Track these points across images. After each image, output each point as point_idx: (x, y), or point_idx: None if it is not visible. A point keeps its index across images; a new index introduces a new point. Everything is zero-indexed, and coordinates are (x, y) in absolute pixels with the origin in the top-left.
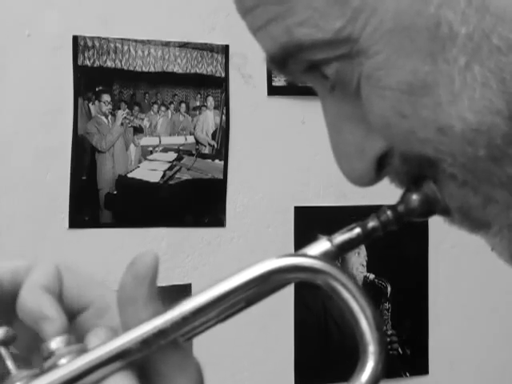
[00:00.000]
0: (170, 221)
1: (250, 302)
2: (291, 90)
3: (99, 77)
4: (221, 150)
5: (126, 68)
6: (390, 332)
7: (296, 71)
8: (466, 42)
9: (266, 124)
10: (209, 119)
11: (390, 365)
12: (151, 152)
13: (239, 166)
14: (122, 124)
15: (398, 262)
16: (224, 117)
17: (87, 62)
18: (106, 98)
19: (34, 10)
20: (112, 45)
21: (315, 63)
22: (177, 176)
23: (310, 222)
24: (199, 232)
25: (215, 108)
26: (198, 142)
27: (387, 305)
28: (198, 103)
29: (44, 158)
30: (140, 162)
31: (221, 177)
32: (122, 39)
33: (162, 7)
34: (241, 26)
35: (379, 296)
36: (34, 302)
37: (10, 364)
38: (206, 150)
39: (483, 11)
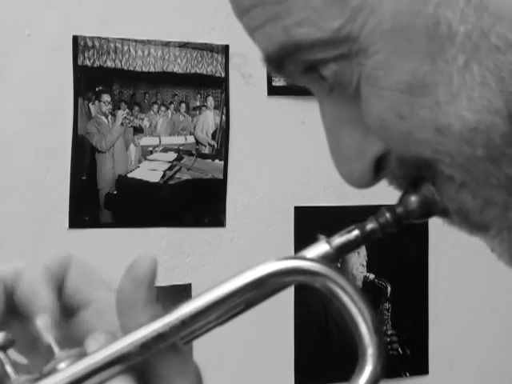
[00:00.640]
0: (170, 221)
1: (249, 305)
2: (291, 90)
3: (99, 77)
4: (221, 149)
5: (126, 68)
6: (389, 332)
7: (294, 72)
8: (464, 41)
9: (266, 124)
10: (209, 119)
11: (390, 365)
12: (151, 152)
13: (239, 166)
14: (122, 124)
15: (398, 262)
16: (224, 117)
17: (87, 62)
18: (106, 98)
19: (33, 10)
20: (112, 45)
21: (313, 64)
22: (177, 176)
23: (310, 222)
24: (199, 232)
25: (215, 108)
26: (197, 142)
27: (387, 305)
28: (197, 103)
29: (44, 158)
30: (140, 162)
31: (221, 177)
32: (122, 39)
33: (162, 7)
34: (241, 26)
35: (379, 296)
36: (30, 285)
37: (9, 368)
38: (206, 150)
39: (482, 10)
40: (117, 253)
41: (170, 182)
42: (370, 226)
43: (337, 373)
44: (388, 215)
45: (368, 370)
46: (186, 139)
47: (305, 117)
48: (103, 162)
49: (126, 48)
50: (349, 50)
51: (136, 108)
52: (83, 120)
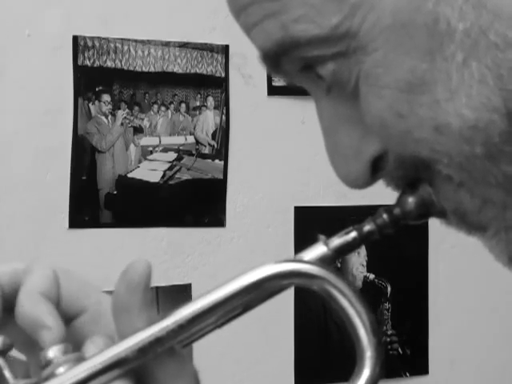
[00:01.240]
0: (170, 221)
1: (247, 308)
2: (291, 90)
3: (99, 77)
4: (221, 149)
5: (126, 68)
6: (389, 332)
7: (291, 71)
8: (463, 38)
9: (266, 124)
10: (209, 119)
11: (390, 365)
12: (151, 152)
13: (239, 166)
14: (122, 124)
15: (398, 262)
16: (224, 117)
17: (87, 62)
18: (106, 98)
19: (34, 10)
20: (112, 45)
21: (310, 62)
22: (177, 176)
23: (310, 222)
24: (199, 232)
25: (215, 108)
26: (197, 142)
27: (387, 305)
28: (198, 103)
29: (44, 158)
30: (140, 162)
31: (221, 177)
32: (122, 39)
33: (162, 7)
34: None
35: (379, 296)
36: (33, 309)
37: (7, 373)
38: (206, 150)
39: (480, 8)
40: (117, 253)
41: (170, 182)
42: (367, 227)
43: (337, 373)
44: (385, 216)
45: (366, 372)
46: (185, 139)
47: (305, 117)
48: (103, 162)
49: (126, 48)
50: (347, 48)
51: (136, 108)
52: (83, 120)
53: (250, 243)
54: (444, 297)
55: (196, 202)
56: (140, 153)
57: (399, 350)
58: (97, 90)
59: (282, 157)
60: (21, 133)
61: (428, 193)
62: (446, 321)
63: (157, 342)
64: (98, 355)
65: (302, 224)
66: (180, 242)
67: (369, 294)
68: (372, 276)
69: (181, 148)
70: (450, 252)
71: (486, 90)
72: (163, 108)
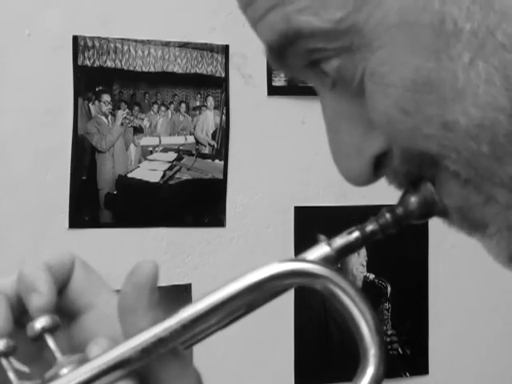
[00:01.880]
0: (170, 221)
1: (250, 308)
2: (291, 90)
3: (99, 77)
4: (221, 149)
5: (126, 68)
6: (389, 332)
7: (296, 66)
8: (470, 38)
9: (266, 124)
10: (209, 119)
11: (390, 365)
12: (151, 152)
13: (239, 166)
14: (121, 124)
15: (398, 262)
16: (224, 117)
17: (87, 62)
18: (106, 98)
19: (34, 10)
20: (112, 45)
21: (315, 58)
22: (177, 176)
23: (310, 222)
24: (199, 232)
25: (215, 108)
26: (198, 142)
27: (387, 305)
28: (198, 103)
29: (44, 158)
30: (140, 162)
31: (221, 177)
32: (122, 39)
33: (161, 7)
34: (241, 26)
35: (379, 296)
36: (30, 273)
37: (11, 375)
38: (206, 150)
39: (488, 8)
40: (117, 253)
41: (170, 182)
42: (370, 227)
43: (337, 373)
44: (388, 216)
45: (370, 370)
46: (186, 139)
47: (305, 117)
48: (103, 162)
49: (126, 48)
50: (350, 43)
51: (136, 108)
52: (83, 120)
53: (250, 243)
54: (444, 297)
55: (196, 202)
56: (140, 153)
57: (399, 349)
58: (97, 90)
59: (282, 157)
60: (21, 133)
61: (430, 192)
62: (445, 321)
63: (160, 342)
64: (102, 356)
65: (302, 224)
66: (180, 242)
67: (369, 294)
68: (372, 276)
69: (181, 148)
70: (450, 252)
71: (492, 90)
72: (163, 108)
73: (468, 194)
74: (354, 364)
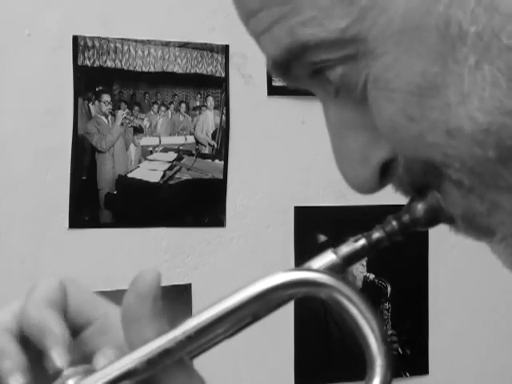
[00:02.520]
0: (170, 221)
1: (256, 318)
2: (291, 90)
3: (99, 77)
4: (221, 149)
5: (126, 68)
6: (390, 332)
7: (300, 76)
8: (475, 41)
9: (266, 124)
10: (209, 119)
11: None
12: (151, 152)
13: (239, 166)
14: (122, 124)
15: (398, 262)
16: (224, 117)
17: (87, 62)
18: (106, 98)
19: (34, 10)
20: (112, 45)
21: (320, 67)
22: (177, 176)
23: (310, 222)
24: (199, 232)
25: (215, 108)
26: (198, 142)
27: (387, 305)
28: (198, 103)
29: (44, 158)
30: (140, 162)
31: (221, 177)
32: (122, 39)
33: (161, 7)
34: (241, 26)
35: (379, 296)
36: (38, 316)
37: None
38: (206, 150)
39: (492, 10)
40: (117, 253)
41: (170, 182)
42: (376, 234)
43: (337, 373)
44: (394, 223)
45: (377, 380)
46: (186, 139)
47: (305, 117)
48: (103, 162)
49: (126, 48)
50: (356, 51)
51: (136, 108)
52: (83, 120)
53: (250, 243)
54: (444, 297)
55: (196, 202)
56: (140, 153)
57: (399, 350)
58: (97, 90)
59: (281, 157)
60: (21, 133)
61: (436, 199)
62: (445, 321)
63: (166, 353)
64: (107, 367)
65: (302, 224)
66: (180, 242)
67: (369, 294)
68: (372, 276)
69: (181, 148)
70: (450, 252)
71: (498, 93)
72: (163, 108)
73: (472, 203)
74: (354, 364)
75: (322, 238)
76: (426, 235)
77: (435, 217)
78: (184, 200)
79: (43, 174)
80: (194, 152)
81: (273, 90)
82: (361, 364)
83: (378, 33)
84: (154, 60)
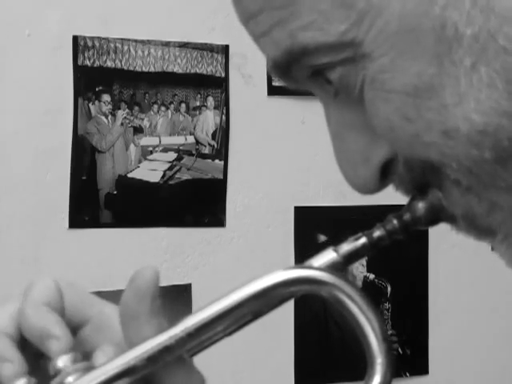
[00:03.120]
0: (170, 221)
1: (256, 316)
2: (291, 90)
3: (99, 77)
4: (221, 150)
5: (126, 68)
6: (390, 332)
7: (300, 77)
8: (471, 42)
9: (266, 124)
10: (209, 119)
11: None
12: (151, 152)
13: (239, 166)
14: (122, 124)
15: (398, 262)
16: (224, 117)
17: (87, 62)
18: (106, 98)
19: (34, 10)
20: (112, 45)
21: (319, 68)
22: (177, 176)
23: (310, 222)
24: (199, 232)
25: (215, 108)
26: (198, 142)
27: (387, 305)
28: (198, 103)
29: (44, 158)
30: (140, 162)
31: (221, 177)
32: (122, 39)
33: (161, 7)
34: (241, 26)
35: (379, 296)
36: (39, 320)
37: None
38: (206, 150)
39: (488, 12)
40: (117, 253)
41: (170, 182)
42: (377, 233)
43: (337, 373)
44: (395, 222)
45: (377, 379)
46: (186, 139)
47: (305, 117)
48: (103, 162)
49: (126, 48)
50: (354, 54)
51: (136, 108)
52: (83, 120)
53: (250, 243)
54: (444, 297)
55: (196, 202)
56: (140, 153)
57: (399, 350)
58: (97, 90)
59: (281, 157)
60: (21, 133)
61: (438, 198)
62: (445, 321)
63: (165, 350)
64: (107, 364)
65: (302, 224)
66: (180, 242)
67: (369, 294)
68: (372, 276)
69: (181, 148)
70: (450, 252)
71: (495, 95)
72: (163, 108)
73: (470, 203)
74: (354, 364)
75: (322, 237)
76: (426, 235)
77: (436, 216)
78: (184, 200)
79: (43, 174)
80: (193, 152)
81: (273, 90)
82: (361, 364)
83: (374, 35)
84: (154, 60)
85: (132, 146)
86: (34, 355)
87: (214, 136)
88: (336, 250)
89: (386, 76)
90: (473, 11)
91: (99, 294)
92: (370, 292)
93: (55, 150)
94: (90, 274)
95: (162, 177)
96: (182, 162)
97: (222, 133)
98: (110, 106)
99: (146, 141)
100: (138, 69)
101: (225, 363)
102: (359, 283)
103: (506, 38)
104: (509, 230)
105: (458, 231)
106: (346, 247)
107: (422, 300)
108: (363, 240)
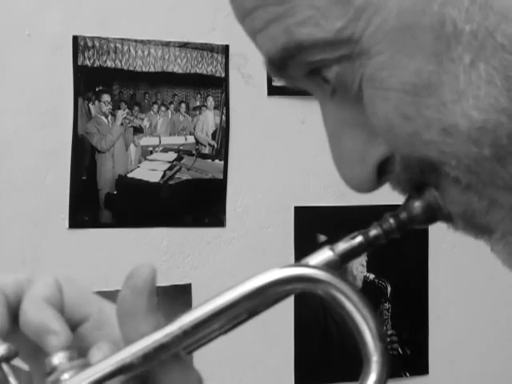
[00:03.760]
0: (170, 221)
1: (252, 314)
2: (291, 90)
3: (99, 77)
4: (221, 150)
5: (126, 68)
6: (390, 332)
7: (296, 75)
8: (470, 40)
9: (266, 124)
10: (209, 119)
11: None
12: (151, 152)
13: (239, 166)
14: (122, 124)
15: (398, 261)
16: (224, 117)
17: (87, 62)
18: (106, 98)
19: (34, 10)
20: (112, 45)
21: (316, 66)
22: (177, 176)
23: (310, 222)
24: (199, 232)
25: (215, 108)
26: (198, 142)
27: (387, 305)
28: (198, 103)
29: (44, 158)
30: (140, 162)
31: (221, 177)
32: (121, 39)
33: (161, 7)
34: (241, 26)
35: (379, 296)
36: (38, 315)
37: (12, 380)
38: (206, 150)
39: (487, 9)
40: (117, 253)
41: (170, 182)
42: (373, 232)
43: (337, 373)
44: (392, 221)
45: (373, 377)
46: (185, 139)
47: (305, 117)
48: (103, 162)
49: (126, 48)
50: (351, 51)
51: (136, 108)
52: (83, 120)
53: (250, 243)
54: (444, 297)
55: (196, 202)
56: (140, 153)
57: (399, 350)
58: (97, 90)
59: (281, 157)
60: (21, 133)
61: (434, 197)
62: (445, 321)
63: (161, 348)
64: (103, 361)
65: (302, 224)
66: (180, 242)
67: (369, 294)
68: (372, 276)
69: (181, 148)
70: (450, 252)
71: (493, 91)
72: (163, 108)
73: (470, 200)
74: (354, 364)
75: (322, 237)
76: (425, 235)
77: (433, 214)
78: (184, 200)
79: (43, 174)
80: (194, 152)
81: (273, 90)
82: (361, 364)
83: (372, 32)
84: (154, 60)
85: (132, 146)
86: (29, 348)
87: (214, 136)
88: (332, 249)
89: (384, 74)
90: (471, 8)
91: (99, 293)
92: (370, 292)
93: (55, 150)
94: (90, 274)
95: (162, 177)
96: (182, 162)
97: (222, 133)
98: (109, 106)
99: (146, 141)
100: (137, 69)
101: (225, 363)
102: (359, 283)
103: (504, 35)
104: (506, 228)
105: (455, 230)
106: (343, 246)
107: (422, 300)
108: (359, 239)
